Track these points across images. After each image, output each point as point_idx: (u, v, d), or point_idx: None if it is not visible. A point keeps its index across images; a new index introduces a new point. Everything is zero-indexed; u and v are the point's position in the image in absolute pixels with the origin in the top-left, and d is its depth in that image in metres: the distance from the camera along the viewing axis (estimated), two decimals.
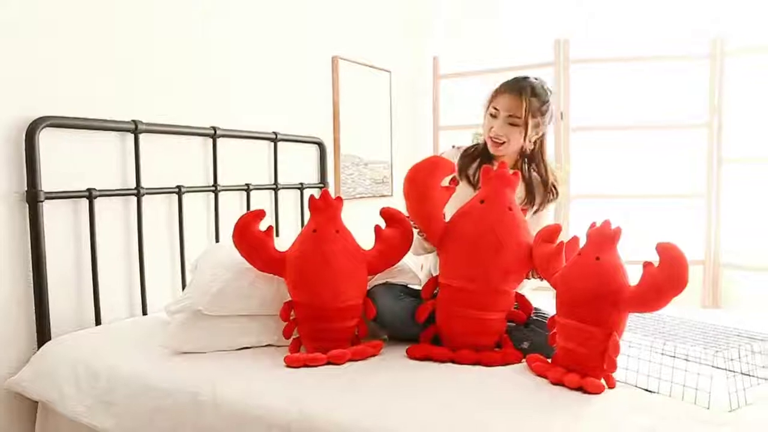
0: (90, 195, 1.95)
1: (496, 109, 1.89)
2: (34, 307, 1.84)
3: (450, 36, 3.88)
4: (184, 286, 2.27)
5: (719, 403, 1.31)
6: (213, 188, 2.42)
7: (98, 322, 1.99)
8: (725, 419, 1.26)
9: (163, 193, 2.22)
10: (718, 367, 1.41)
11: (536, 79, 1.93)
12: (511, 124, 1.87)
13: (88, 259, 1.98)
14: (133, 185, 2.11)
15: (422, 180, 1.72)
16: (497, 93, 1.91)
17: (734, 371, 1.38)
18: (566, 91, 3.45)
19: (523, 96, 1.85)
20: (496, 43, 3.73)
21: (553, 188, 1.98)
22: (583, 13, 3.51)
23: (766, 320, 1.99)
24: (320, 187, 2.99)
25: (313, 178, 3.02)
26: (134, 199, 2.12)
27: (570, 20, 3.54)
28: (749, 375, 1.41)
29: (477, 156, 2.01)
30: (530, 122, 1.87)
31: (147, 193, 2.14)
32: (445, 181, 1.76)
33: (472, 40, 3.81)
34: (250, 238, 1.76)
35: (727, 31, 3.24)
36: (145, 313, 2.16)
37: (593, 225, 1.53)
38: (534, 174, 1.99)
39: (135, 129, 2.07)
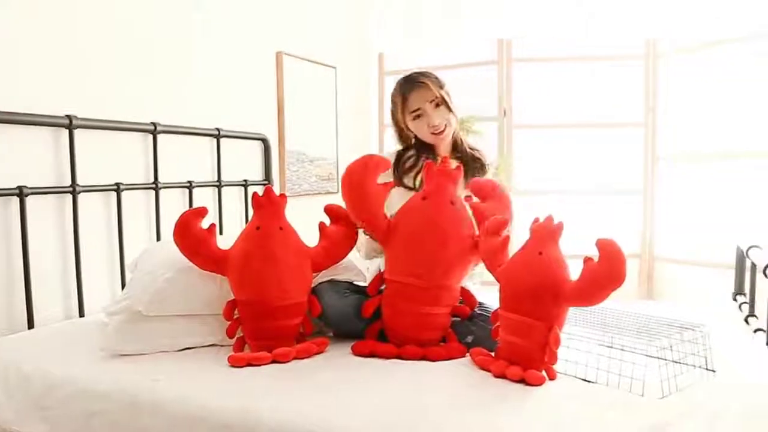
0: (21, 193, 1.87)
1: (417, 109, 1.98)
2: None
3: (395, 33, 3.89)
4: (123, 287, 2.20)
5: (652, 391, 1.36)
6: (153, 185, 2.36)
7: (31, 325, 1.91)
8: (657, 406, 1.31)
9: (100, 190, 2.15)
10: (651, 356, 1.46)
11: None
12: (438, 105, 1.97)
13: (20, 259, 1.90)
14: (68, 182, 2.03)
15: (358, 180, 1.74)
16: (405, 98, 1.99)
17: (666, 359, 1.44)
18: (509, 89, 3.52)
19: (425, 81, 1.97)
20: (440, 41, 3.77)
21: (480, 161, 2.09)
22: (526, 13, 3.59)
23: (695, 310, 2.08)
24: (264, 184, 2.94)
25: (257, 174, 2.98)
26: (70, 197, 2.04)
27: (513, 20, 3.61)
28: (679, 363, 1.48)
29: (415, 162, 2.04)
30: (447, 96, 1.99)
31: (83, 191, 2.06)
32: (382, 178, 1.78)
33: (417, 37, 3.84)
34: (192, 236, 1.72)
35: (660, 31, 3.37)
36: (82, 315, 2.09)
37: (536, 220, 1.56)
38: (467, 156, 2.09)
39: (69, 124, 2.00)
